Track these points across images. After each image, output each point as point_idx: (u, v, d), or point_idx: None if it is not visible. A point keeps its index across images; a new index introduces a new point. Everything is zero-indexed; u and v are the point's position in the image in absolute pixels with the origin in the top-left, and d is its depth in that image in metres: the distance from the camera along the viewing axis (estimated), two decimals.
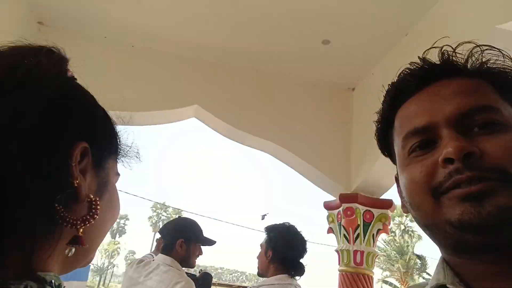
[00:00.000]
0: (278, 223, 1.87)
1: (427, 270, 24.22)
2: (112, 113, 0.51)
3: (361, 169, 3.21)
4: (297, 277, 1.74)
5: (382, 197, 3.36)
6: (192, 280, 2.17)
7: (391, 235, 33.65)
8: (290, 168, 3.59)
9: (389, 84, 0.55)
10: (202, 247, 2.07)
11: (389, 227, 3.28)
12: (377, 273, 24.12)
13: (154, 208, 55.07)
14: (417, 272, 23.83)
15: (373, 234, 3.20)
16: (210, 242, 2.16)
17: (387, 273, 23.79)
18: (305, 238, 1.83)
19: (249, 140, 3.44)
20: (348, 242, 3.20)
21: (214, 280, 3.32)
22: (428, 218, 0.45)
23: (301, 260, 1.76)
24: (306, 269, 2.79)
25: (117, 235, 59.68)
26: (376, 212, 3.23)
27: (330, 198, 3.49)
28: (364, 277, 3.09)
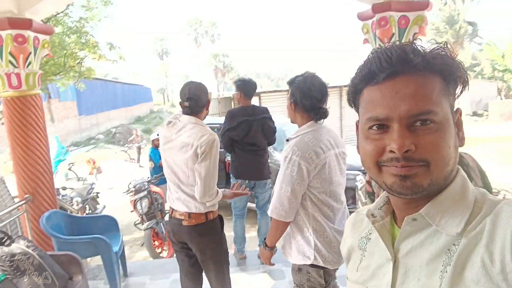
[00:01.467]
0: (298, 74, 1.94)
1: (478, 34, 23.25)
2: None
3: None
4: (320, 121, 1.91)
5: None
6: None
7: (440, 3, 31.11)
8: None
9: (364, 61, 0.67)
10: None
11: (425, 27, 3.19)
12: None
13: (189, 25, 54.45)
14: (468, 39, 23.00)
15: (409, 39, 3.17)
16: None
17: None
18: (324, 84, 1.91)
19: None
20: None
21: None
22: (372, 175, 0.68)
23: (323, 105, 1.89)
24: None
25: (164, 57, 62.08)
26: (411, 15, 3.10)
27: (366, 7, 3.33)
28: None
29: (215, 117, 11.22)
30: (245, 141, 3.78)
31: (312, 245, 1.84)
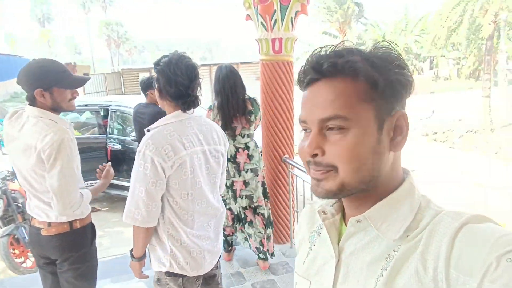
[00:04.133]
0: (165, 55, 1.60)
1: (364, 16, 25.14)
2: None
3: None
4: (189, 111, 1.62)
5: None
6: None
7: None
8: None
9: (302, 66, 0.67)
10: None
11: (307, 6, 3.00)
12: (317, 27, 24.78)
13: None
14: (355, 19, 24.74)
15: (291, 18, 2.96)
16: (78, 83, 1.88)
17: (327, 24, 24.52)
18: (194, 66, 1.60)
19: None
20: (266, 30, 2.98)
21: None
22: (306, 171, 0.68)
23: (193, 92, 1.60)
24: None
25: (45, 23, 54.57)
26: None
27: None
28: (284, 63, 3.06)
29: (102, 95, 10.08)
30: None
31: (168, 250, 1.65)
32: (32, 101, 1.76)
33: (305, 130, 0.67)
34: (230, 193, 2.97)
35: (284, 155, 3.19)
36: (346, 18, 23.41)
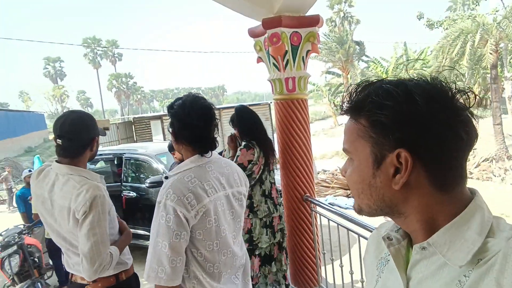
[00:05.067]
0: (179, 97, 1.57)
1: (366, 54, 25.80)
2: None
3: None
4: (207, 155, 1.55)
5: (308, 13, 3.01)
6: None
7: (331, 25, 34.10)
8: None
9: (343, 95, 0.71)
10: None
11: (319, 46, 3.07)
12: (320, 66, 25.40)
13: (86, 45, 50.86)
14: (356, 57, 25.37)
15: (303, 57, 3.01)
16: (105, 131, 2.01)
17: (330, 64, 25.15)
18: (209, 107, 1.55)
19: None
20: (279, 70, 3.03)
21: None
22: None
23: (209, 134, 1.54)
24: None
25: (58, 79, 56.87)
26: (303, 32, 2.94)
27: (257, 23, 3.10)
28: (298, 101, 3.08)
29: (115, 144, 10.24)
30: None
31: None
32: (78, 153, 1.72)
33: None
34: (268, 230, 2.94)
35: (305, 193, 3.11)
36: (348, 57, 24.02)
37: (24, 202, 5.23)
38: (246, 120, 2.95)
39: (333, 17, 35.65)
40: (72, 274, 1.82)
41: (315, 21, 2.93)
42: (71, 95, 56.00)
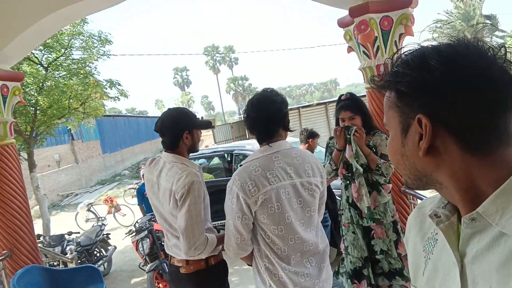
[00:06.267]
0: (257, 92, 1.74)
1: (500, 28, 22.21)
2: None
3: None
4: (272, 144, 1.65)
5: None
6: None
7: (456, 0, 30.27)
8: None
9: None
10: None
11: (412, 27, 2.85)
12: None
13: (206, 53, 55.72)
14: (489, 34, 22.04)
15: (395, 41, 2.85)
16: (208, 125, 2.14)
17: None
18: (277, 99, 1.66)
19: None
20: (369, 58, 2.93)
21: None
22: None
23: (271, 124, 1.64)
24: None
25: (185, 87, 63.57)
26: (394, 15, 2.78)
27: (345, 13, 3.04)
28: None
29: (229, 142, 11.10)
30: None
31: (267, 283, 1.66)
32: (174, 145, 1.97)
33: None
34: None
35: (402, 185, 2.94)
36: (476, 34, 21.05)
37: (142, 196, 6.07)
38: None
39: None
40: (170, 256, 2.06)
41: (406, 2, 2.75)
42: (196, 100, 62.09)
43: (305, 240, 1.65)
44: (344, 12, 3.01)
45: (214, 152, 6.68)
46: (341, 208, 2.75)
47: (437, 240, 0.70)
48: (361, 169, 2.46)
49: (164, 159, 1.98)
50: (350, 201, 2.62)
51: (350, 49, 3.16)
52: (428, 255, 0.72)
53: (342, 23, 3.09)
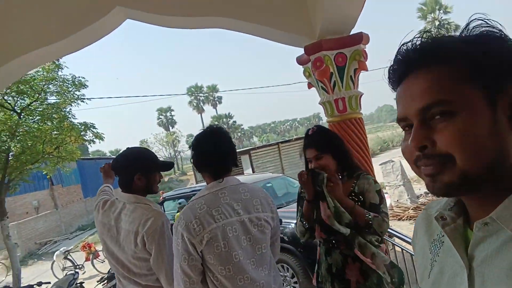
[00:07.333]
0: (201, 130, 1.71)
1: None
2: None
3: (319, 9, 2.77)
4: (220, 180, 1.61)
5: (353, 32, 2.98)
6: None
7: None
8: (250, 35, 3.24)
9: (390, 65, 0.65)
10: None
11: (366, 62, 2.98)
12: None
13: (189, 93, 56.54)
14: None
15: (351, 76, 2.96)
16: (168, 167, 2.11)
17: None
18: (228, 134, 1.67)
19: (194, 23, 3.06)
20: (327, 93, 3.02)
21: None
22: (418, 175, 0.64)
23: (221, 160, 1.62)
24: None
25: (170, 127, 63.71)
26: (348, 52, 2.91)
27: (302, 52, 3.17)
28: (352, 121, 3.00)
29: None
30: None
31: None
32: (128, 186, 1.89)
33: (405, 129, 0.64)
34: None
35: None
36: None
37: None
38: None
39: (426, 26, 33.37)
40: None
41: (358, 39, 2.89)
42: (181, 140, 62.05)
43: (255, 280, 1.57)
44: (300, 51, 3.14)
45: (193, 191, 6.62)
46: (319, 280, 2.05)
47: (443, 242, 0.68)
48: (347, 231, 1.81)
49: (124, 200, 1.89)
50: (334, 270, 1.93)
51: (310, 85, 3.26)
52: (434, 257, 0.70)
53: (300, 61, 3.21)
